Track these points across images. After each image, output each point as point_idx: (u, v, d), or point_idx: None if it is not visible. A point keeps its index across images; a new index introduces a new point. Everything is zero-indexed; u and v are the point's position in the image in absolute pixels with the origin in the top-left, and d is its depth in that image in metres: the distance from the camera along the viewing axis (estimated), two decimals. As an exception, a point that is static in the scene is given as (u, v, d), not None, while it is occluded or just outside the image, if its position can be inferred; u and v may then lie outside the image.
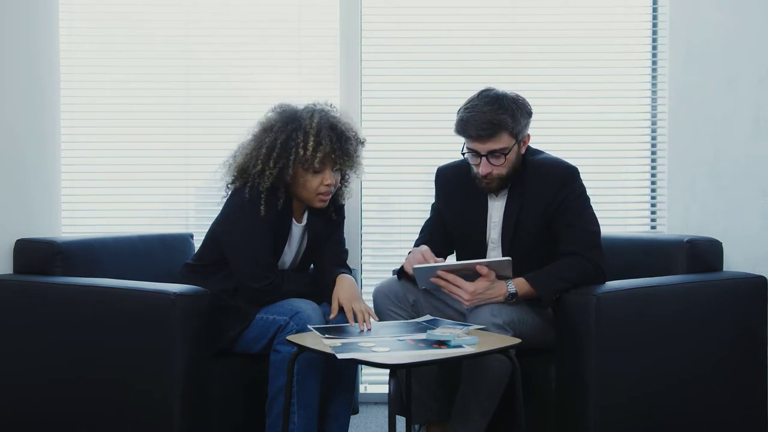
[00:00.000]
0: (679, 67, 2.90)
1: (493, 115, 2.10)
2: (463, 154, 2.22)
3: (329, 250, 2.33)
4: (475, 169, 2.21)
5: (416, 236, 2.45)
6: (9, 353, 2.25)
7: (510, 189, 2.23)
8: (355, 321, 2.07)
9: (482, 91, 2.17)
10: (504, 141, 2.13)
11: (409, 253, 2.37)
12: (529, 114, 2.20)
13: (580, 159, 2.96)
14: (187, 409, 2.02)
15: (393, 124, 3.04)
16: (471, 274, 2.07)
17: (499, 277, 2.11)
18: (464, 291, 2.04)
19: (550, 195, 2.18)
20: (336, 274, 2.22)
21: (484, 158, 2.15)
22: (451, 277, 2.06)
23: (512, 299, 2.09)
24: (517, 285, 2.10)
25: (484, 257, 2.28)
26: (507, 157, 2.15)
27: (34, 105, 2.62)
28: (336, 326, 2.05)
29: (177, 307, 2.00)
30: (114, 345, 2.10)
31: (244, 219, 2.15)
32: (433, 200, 2.45)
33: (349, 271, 2.32)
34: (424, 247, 2.18)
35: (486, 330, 1.98)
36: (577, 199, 2.19)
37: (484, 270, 2.05)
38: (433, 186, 2.43)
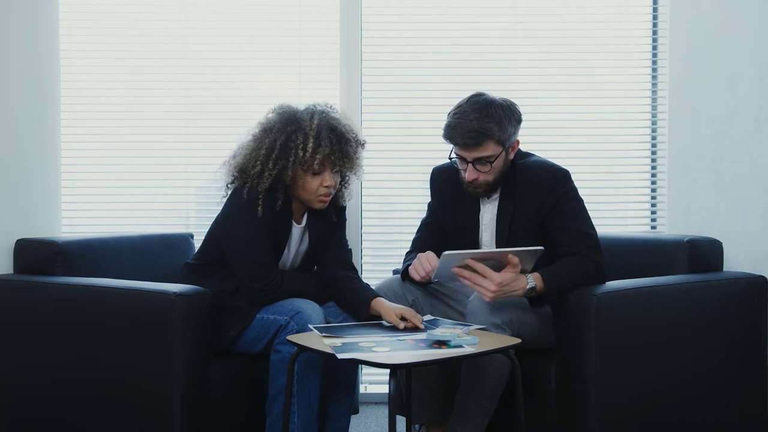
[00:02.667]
0: (679, 67, 2.90)
1: (480, 123, 2.08)
2: (451, 159, 2.21)
3: (333, 252, 2.32)
4: (462, 173, 2.20)
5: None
6: (9, 353, 2.26)
7: (501, 192, 2.23)
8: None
9: (471, 97, 2.16)
10: (490, 149, 2.12)
11: (408, 253, 2.38)
12: (519, 121, 2.18)
13: (580, 159, 2.98)
14: (187, 409, 2.02)
15: (393, 124, 3.04)
16: (497, 264, 2.02)
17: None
18: (491, 282, 1.97)
19: (541, 197, 2.17)
20: (369, 298, 2.14)
21: (470, 165, 2.14)
22: (480, 266, 1.99)
23: (531, 293, 2.06)
24: (536, 279, 2.06)
25: None
26: (493, 164, 2.14)
27: (34, 105, 2.62)
28: (336, 326, 2.05)
29: (177, 307, 2.00)
30: (114, 345, 2.10)
31: (243, 219, 2.15)
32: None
33: (356, 272, 2.32)
34: (431, 254, 2.17)
35: (486, 330, 1.98)
36: (570, 202, 2.19)
37: (515, 260, 2.00)
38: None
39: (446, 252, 1.97)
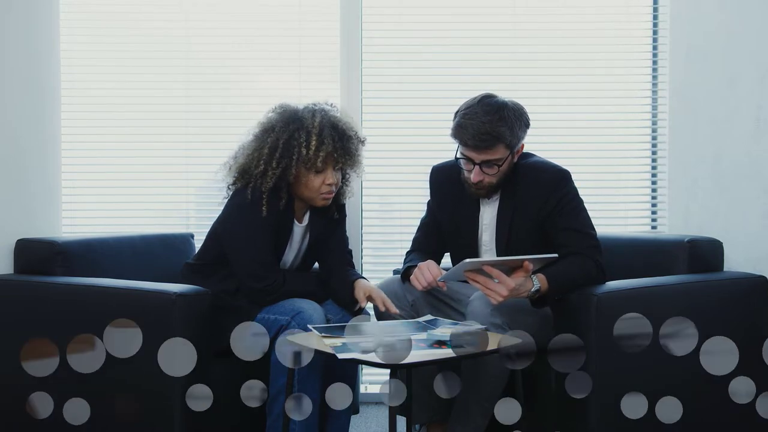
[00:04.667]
0: (680, 67, 2.90)
1: (492, 126, 2.08)
2: (457, 159, 2.21)
3: (334, 250, 2.33)
4: (466, 174, 2.20)
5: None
6: (9, 353, 2.25)
7: (502, 192, 2.23)
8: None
9: (483, 98, 2.14)
10: (499, 152, 2.12)
11: (408, 253, 2.38)
12: (527, 125, 2.18)
13: (580, 159, 2.98)
14: (187, 409, 2.02)
15: (393, 124, 3.04)
16: (506, 269, 2.02)
17: None
18: (504, 287, 1.96)
19: (542, 198, 2.17)
20: (353, 278, 2.25)
21: (476, 166, 2.14)
22: (495, 272, 1.98)
23: (536, 295, 2.06)
24: (540, 281, 2.05)
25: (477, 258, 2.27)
26: (500, 168, 2.15)
27: (34, 105, 2.62)
28: (336, 326, 2.05)
29: (178, 307, 2.00)
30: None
31: (245, 219, 2.15)
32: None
33: (353, 268, 2.32)
34: (431, 263, 2.16)
35: (486, 330, 1.98)
36: (571, 203, 2.19)
37: (530, 266, 2.00)
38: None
39: (467, 260, 1.95)
